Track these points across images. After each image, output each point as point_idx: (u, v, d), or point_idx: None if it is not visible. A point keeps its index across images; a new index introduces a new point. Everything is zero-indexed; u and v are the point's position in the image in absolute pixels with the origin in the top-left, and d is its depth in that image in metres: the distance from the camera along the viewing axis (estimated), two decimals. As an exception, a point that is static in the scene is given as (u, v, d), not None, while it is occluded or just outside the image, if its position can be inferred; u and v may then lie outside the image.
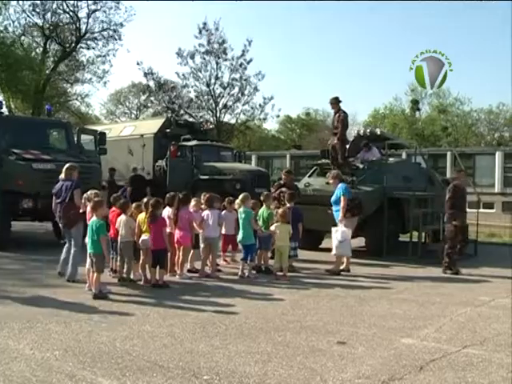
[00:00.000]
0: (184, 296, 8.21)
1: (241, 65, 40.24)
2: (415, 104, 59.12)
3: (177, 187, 14.91)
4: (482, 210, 19.71)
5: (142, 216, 9.06)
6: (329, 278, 10.23)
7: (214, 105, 41.25)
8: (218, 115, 41.18)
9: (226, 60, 40.21)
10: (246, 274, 9.96)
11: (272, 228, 10.20)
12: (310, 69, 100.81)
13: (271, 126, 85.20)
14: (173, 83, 44.23)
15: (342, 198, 10.57)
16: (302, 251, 11.67)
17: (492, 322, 7.08)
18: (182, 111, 42.35)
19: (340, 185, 10.87)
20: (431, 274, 10.96)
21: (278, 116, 47.25)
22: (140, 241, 8.99)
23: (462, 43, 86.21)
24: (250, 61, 40.14)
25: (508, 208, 33.36)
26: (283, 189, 12.31)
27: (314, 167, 14.88)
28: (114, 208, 9.48)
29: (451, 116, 59.45)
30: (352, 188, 12.21)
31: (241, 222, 10.27)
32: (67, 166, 9.60)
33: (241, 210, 10.41)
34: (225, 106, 41.32)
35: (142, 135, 20.87)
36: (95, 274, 8.00)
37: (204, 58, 39.98)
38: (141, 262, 9.17)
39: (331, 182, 11.20)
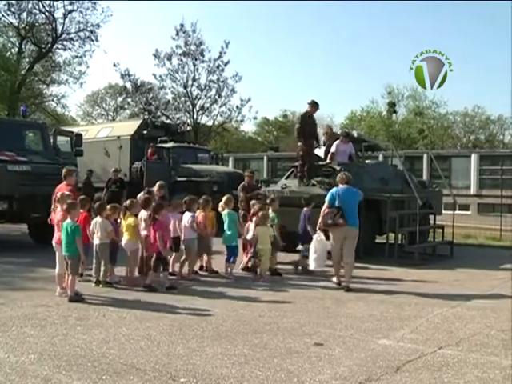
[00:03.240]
0: (161, 299, 8.18)
1: (218, 67, 40.17)
2: (392, 106, 59.40)
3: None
4: (457, 212, 19.96)
5: (128, 219, 9.22)
6: (306, 279, 10.28)
7: (191, 106, 41.10)
8: (195, 117, 41.04)
9: (203, 62, 40.10)
10: (230, 276, 10.10)
11: (253, 232, 10.28)
12: (287, 71, 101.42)
13: (248, 127, 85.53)
14: (150, 85, 44.05)
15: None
16: (279, 253, 11.72)
17: (467, 323, 7.16)
18: (158, 113, 42.17)
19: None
20: (408, 276, 11.05)
21: (256, 118, 47.24)
22: (123, 244, 9.14)
23: (437, 44, 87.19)
24: (228, 63, 40.11)
25: (483, 210, 33.74)
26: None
27: (291, 169, 14.93)
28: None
29: (427, 119, 59.83)
30: (328, 190, 12.29)
31: (225, 223, 10.39)
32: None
33: (225, 212, 10.53)
34: (202, 107, 41.19)
35: (118, 137, 20.77)
36: (70, 277, 7.94)
37: (181, 60, 39.82)
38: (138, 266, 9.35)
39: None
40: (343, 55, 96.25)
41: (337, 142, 14.42)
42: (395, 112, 60.14)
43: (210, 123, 42.80)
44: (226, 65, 40.16)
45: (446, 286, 10.13)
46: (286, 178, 14.68)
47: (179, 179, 18.50)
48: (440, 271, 11.51)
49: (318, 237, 10.01)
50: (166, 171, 18.90)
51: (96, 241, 9.00)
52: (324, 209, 9.72)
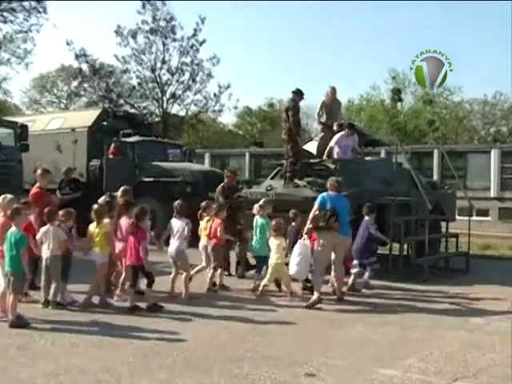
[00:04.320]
0: (125, 321, 8.13)
1: (192, 46, 40.17)
2: (397, 94, 59.60)
3: (115, 191, 14.77)
4: (474, 218, 20.11)
5: (93, 226, 9.26)
6: (295, 298, 10.27)
7: (159, 94, 41.03)
8: (164, 106, 40.99)
9: (174, 41, 40.07)
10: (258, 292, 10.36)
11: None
12: (273, 53, 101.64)
13: (228, 119, 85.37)
14: (111, 67, 43.89)
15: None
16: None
17: (487, 351, 7.16)
18: (121, 101, 42.06)
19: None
20: (415, 293, 11.10)
21: (236, 108, 47.49)
22: (92, 256, 9.18)
23: (451, 22, 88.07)
24: (203, 42, 40.13)
25: (506, 215, 33.82)
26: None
27: (278, 168, 14.94)
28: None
29: (439, 108, 60.12)
30: (320, 192, 12.31)
31: (257, 230, 10.99)
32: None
33: (259, 216, 11.01)
34: (173, 95, 41.14)
35: (73, 129, 20.62)
36: (11, 298, 7.83)
37: (148, 38, 39.75)
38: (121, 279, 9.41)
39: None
40: (338, 34, 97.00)
41: (339, 134, 14.49)
42: (400, 100, 60.35)
43: (182, 113, 42.80)
44: (201, 44, 40.22)
45: (461, 305, 10.18)
46: (272, 179, 14.71)
47: (146, 179, 18.42)
48: (453, 288, 11.56)
49: (304, 240, 10.18)
50: (130, 170, 18.80)
51: (46, 253, 8.90)
52: (314, 211, 10.01)
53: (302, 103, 14.83)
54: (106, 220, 9.47)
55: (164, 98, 41.03)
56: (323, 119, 15.40)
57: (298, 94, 13.89)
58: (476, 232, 17.79)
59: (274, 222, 10.61)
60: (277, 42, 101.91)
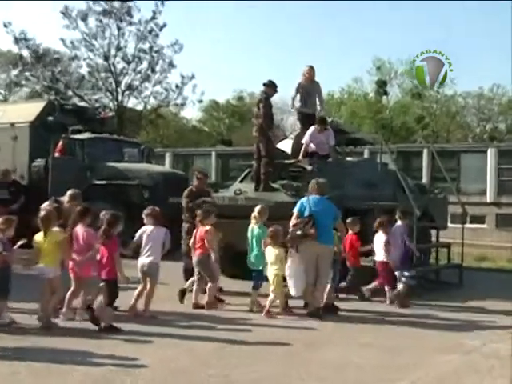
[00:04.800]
0: (74, 344, 8.05)
1: (151, 31, 40.18)
2: (382, 86, 59.78)
3: (62, 195, 14.69)
4: (468, 226, 20.30)
5: (39, 236, 9.15)
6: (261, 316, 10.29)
7: (114, 85, 40.94)
8: (119, 99, 40.89)
9: (130, 24, 40.09)
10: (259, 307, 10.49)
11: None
12: (243, 39, 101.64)
13: (191, 114, 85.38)
14: (57, 54, 43.61)
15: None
16: (231, 281, 11.74)
17: (485, 375, 7.21)
18: (69, 92, 41.82)
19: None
20: (403, 310, 11.17)
21: (201, 101, 47.53)
22: (39, 270, 9.08)
23: (443, 7, 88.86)
24: (164, 26, 40.14)
25: (504, 223, 33.94)
26: (207, 198, 12.38)
27: (248, 169, 14.95)
28: None
29: (429, 102, 60.40)
30: (296, 196, 12.35)
31: (254, 240, 10.99)
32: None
33: (256, 225, 11.05)
34: (129, 86, 41.07)
35: (12, 124, 20.41)
36: None
37: (100, 21, 39.67)
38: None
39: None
40: (316, 18, 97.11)
41: (310, 130, 14.50)
42: (386, 93, 60.59)
43: (139, 107, 42.73)
44: (161, 29, 40.26)
45: (454, 324, 10.23)
46: (241, 181, 14.71)
47: (98, 182, 18.35)
48: (445, 304, 11.65)
49: (293, 255, 10.32)
50: (80, 171, 18.70)
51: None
52: (293, 220, 10.22)
53: (275, 97, 14.85)
54: (56, 228, 9.39)
55: (119, 90, 40.94)
56: (298, 104, 15.33)
57: (271, 87, 13.88)
58: (470, 241, 17.95)
59: (270, 229, 10.62)
60: (247, 27, 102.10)
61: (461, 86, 62.68)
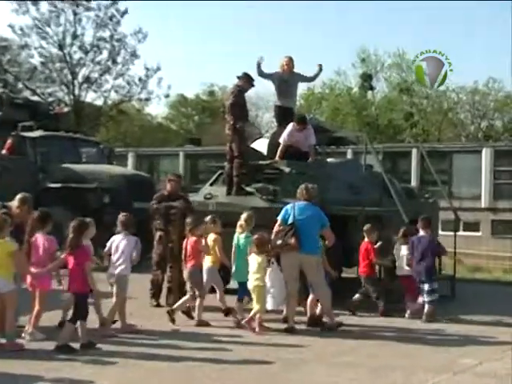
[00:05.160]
0: (27, 368, 7.95)
1: (111, 18, 40.05)
2: (367, 80, 59.84)
3: (10, 200, 14.64)
4: (462, 233, 20.41)
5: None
6: (240, 333, 10.33)
7: (70, 77, 40.72)
8: (76, 93, 40.69)
9: (88, 10, 39.90)
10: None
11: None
12: (214, 28, 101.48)
13: (157, 110, 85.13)
14: (5, 41, 43.22)
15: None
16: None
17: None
18: (20, 85, 41.50)
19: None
20: (389, 325, 11.23)
21: (168, 96, 47.43)
22: None
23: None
24: (125, 12, 40.03)
25: (500, 230, 34.02)
26: (174, 203, 12.37)
27: (219, 171, 14.95)
28: None
29: (418, 98, 60.39)
30: (273, 202, 12.40)
31: (239, 250, 11.15)
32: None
33: (242, 235, 11.17)
34: (87, 79, 40.91)
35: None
36: None
37: (55, 6, 39.39)
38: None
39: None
40: (296, 7, 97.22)
41: (288, 128, 14.53)
42: (371, 88, 60.68)
43: (99, 102, 42.56)
44: (122, 15, 40.18)
45: (447, 340, 10.32)
46: (212, 185, 14.69)
47: (52, 185, 18.24)
48: (436, 319, 11.70)
49: (273, 265, 10.58)
50: (31, 173, 18.61)
51: None
52: (275, 228, 10.49)
53: (250, 92, 14.86)
54: (7, 238, 9.34)
55: (75, 83, 40.76)
56: (277, 99, 15.41)
57: (246, 80, 13.88)
58: (463, 250, 18.04)
59: (256, 237, 10.72)
60: (220, 14, 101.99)
61: (453, 80, 62.60)
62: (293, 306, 10.63)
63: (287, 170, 13.73)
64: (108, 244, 10.33)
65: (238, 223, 11.32)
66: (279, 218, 10.61)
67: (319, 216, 10.69)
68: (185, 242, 11.07)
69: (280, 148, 14.47)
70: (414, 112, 58.88)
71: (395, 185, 15.11)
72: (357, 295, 12.30)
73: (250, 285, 10.56)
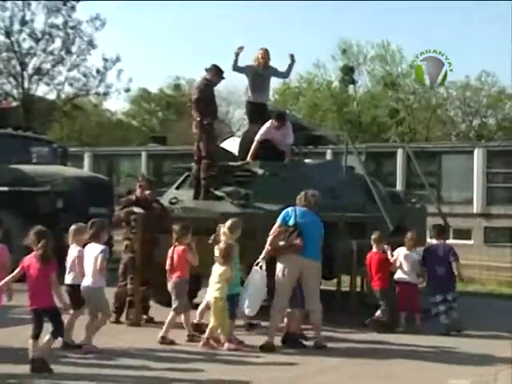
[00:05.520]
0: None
1: (65, 3, 39.86)
2: (348, 73, 59.97)
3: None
4: (452, 242, 20.47)
5: None
6: (213, 350, 10.36)
7: (18, 68, 40.51)
8: (25, 85, 40.48)
9: (39, -7, 39.69)
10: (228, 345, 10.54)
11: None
12: (180, 16, 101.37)
13: (117, 105, 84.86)
14: None
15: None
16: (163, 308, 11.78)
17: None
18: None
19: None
20: (371, 344, 11.28)
21: (129, 90, 47.12)
22: None
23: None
24: (81, -4, 39.91)
25: (493, 238, 34.11)
26: (135, 208, 12.38)
27: (186, 173, 14.95)
28: None
29: (404, 93, 60.74)
30: (244, 206, 12.44)
31: None
32: None
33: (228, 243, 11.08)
34: (38, 70, 40.69)
35: None
36: None
37: (1, -11, 39.24)
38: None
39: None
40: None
41: (266, 125, 14.56)
42: (353, 82, 60.86)
43: (52, 96, 42.37)
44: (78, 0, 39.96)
45: (436, 358, 10.36)
46: (177, 188, 14.68)
47: (-1, 188, 18.19)
48: (424, 338, 11.76)
49: (259, 270, 10.67)
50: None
51: None
52: (274, 229, 10.61)
53: (220, 86, 14.87)
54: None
55: (25, 74, 40.52)
56: (250, 94, 15.40)
57: (215, 73, 13.84)
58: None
59: (223, 246, 10.82)
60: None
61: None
62: (277, 320, 10.67)
63: (260, 171, 13.75)
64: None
65: (222, 231, 11.30)
66: (279, 220, 10.72)
67: (320, 224, 10.89)
68: (171, 251, 11.11)
69: (253, 146, 14.50)
70: (400, 108, 59.02)
71: (379, 188, 15.21)
72: (378, 312, 12.44)
73: (209, 296, 10.73)
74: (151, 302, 12.83)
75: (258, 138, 14.48)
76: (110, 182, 22.07)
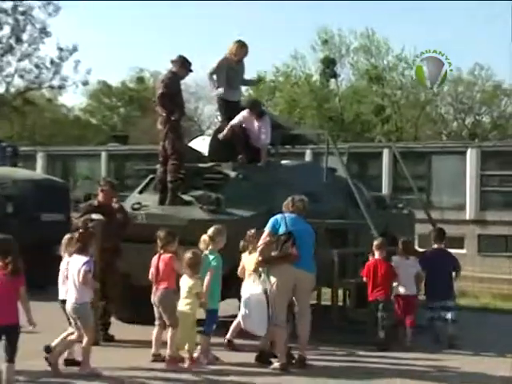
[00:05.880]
0: None
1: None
2: (329, 66, 59.97)
3: None
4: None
5: None
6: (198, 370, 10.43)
7: (-37, 58, 40.41)
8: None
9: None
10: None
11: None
12: (145, 3, 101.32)
13: (74, 100, 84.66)
14: None
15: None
16: (129, 327, 11.71)
17: None
18: None
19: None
20: (353, 363, 11.36)
21: (87, 83, 47.14)
22: None
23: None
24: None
25: (488, 247, 34.16)
26: (94, 215, 12.38)
27: (150, 176, 14.94)
28: None
29: (391, 88, 60.86)
30: (215, 212, 12.48)
31: (205, 272, 11.10)
32: None
33: (207, 252, 11.24)
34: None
35: None
36: None
37: None
38: None
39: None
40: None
41: (242, 113, 14.60)
42: (335, 76, 60.89)
43: (0, 90, 42.23)
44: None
45: (426, 379, 10.43)
46: (141, 192, 14.66)
47: None
48: (412, 355, 11.83)
49: (253, 282, 10.89)
50: None
51: None
52: (263, 239, 10.69)
53: (188, 79, 14.88)
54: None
55: (-29, 66, 40.43)
56: (221, 89, 15.26)
57: (182, 65, 13.88)
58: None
59: (188, 255, 10.87)
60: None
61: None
62: (283, 337, 10.68)
63: (233, 174, 13.77)
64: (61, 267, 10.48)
65: (202, 238, 11.35)
66: (268, 228, 10.76)
67: (312, 231, 11.04)
68: (155, 260, 11.09)
69: (225, 131, 14.71)
70: (386, 105, 59.05)
71: (363, 192, 15.29)
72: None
73: (178, 309, 10.77)
74: (112, 319, 12.80)
75: (233, 122, 14.55)
76: (65, 185, 21.98)
